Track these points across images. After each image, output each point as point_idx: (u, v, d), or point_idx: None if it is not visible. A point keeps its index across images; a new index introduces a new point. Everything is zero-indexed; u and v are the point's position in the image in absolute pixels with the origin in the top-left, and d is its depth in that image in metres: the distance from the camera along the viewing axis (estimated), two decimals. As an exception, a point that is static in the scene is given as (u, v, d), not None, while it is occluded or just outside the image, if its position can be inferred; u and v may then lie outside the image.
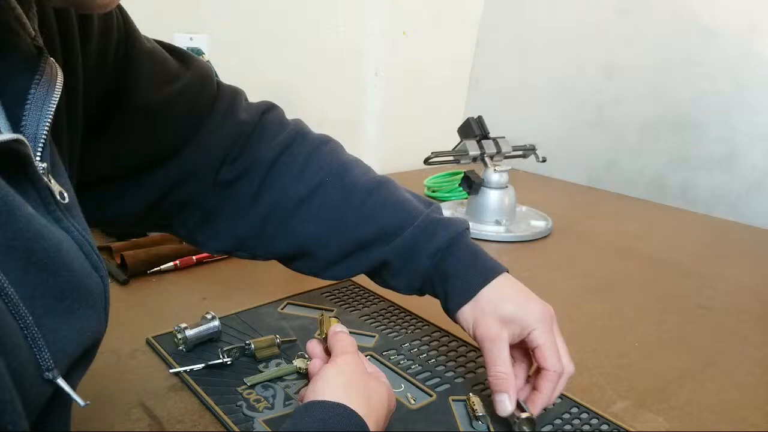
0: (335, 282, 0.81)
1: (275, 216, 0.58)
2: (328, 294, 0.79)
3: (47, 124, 0.35)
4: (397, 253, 0.57)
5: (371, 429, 0.43)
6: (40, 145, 0.34)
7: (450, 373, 0.62)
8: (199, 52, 1.14)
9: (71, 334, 0.34)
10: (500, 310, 0.54)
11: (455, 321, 0.57)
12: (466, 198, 1.15)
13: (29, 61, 0.35)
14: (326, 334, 0.53)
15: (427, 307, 0.76)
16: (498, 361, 0.52)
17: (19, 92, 0.34)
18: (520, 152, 1.17)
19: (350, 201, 0.58)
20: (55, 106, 0.36)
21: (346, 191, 0.58)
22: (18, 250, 0.30)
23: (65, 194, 0.36)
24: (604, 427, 0.55)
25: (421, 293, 0.60)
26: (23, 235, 0.31)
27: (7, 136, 0.31)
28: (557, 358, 0.52)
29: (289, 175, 0.58)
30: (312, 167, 0.59)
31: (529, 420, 0.51)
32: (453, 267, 0.56)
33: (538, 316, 0.53)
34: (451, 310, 0.57)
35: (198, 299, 0.76)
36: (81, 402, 0.34)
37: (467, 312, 0.55)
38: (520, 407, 0.52)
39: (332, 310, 0.74)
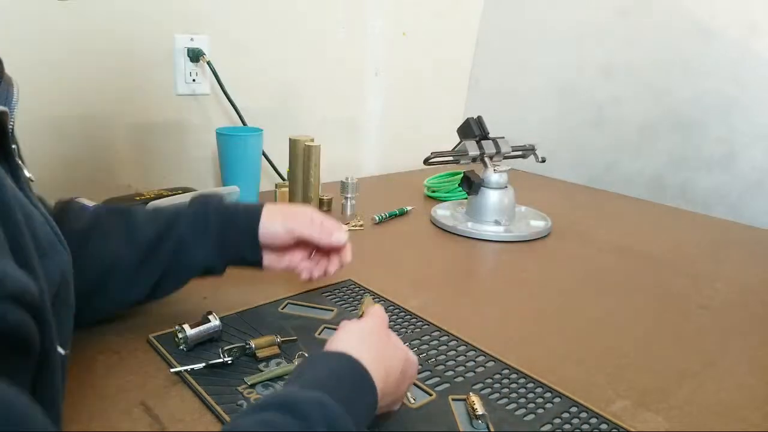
0: (335, 282, 0.81)
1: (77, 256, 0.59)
2: (328, 294, 0.79)
3: (13, 114, 0.40)
4: (189, 225, 0.64)
5: (379, 382, 0.44)
6: (10, 128, 0.39)
7: (450, 373, 0.62)
8: (200, 53, 1.14)
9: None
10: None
11: (263, 243, 0.67)
12: (466, 198, 1.15)
13: None
14: (363, 312, 0.55)
15: (427, 307, 0.77)
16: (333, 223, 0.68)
17: None
18: (520, 152, 1.17)
19: (129, 215, 0.65)
20: (17, 102, 0.41)
21: (122, 212, 0.66)
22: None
23: (32, 176, 0.41)
24: (604, 426, 0.55)
25: (222, 257, 0.67)
26: (6, 206, 0.34)
27: None
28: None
29: (72, 222, 0.62)
30: (89, 213, 0.65)
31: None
32: (233, 205, 0.67)
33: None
34: (253, 229, 0.66)
35: (198, 298, 0.76)
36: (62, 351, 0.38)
37: (265, 216, 0.66)
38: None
39: (333, 310, 0.74)
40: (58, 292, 0.40)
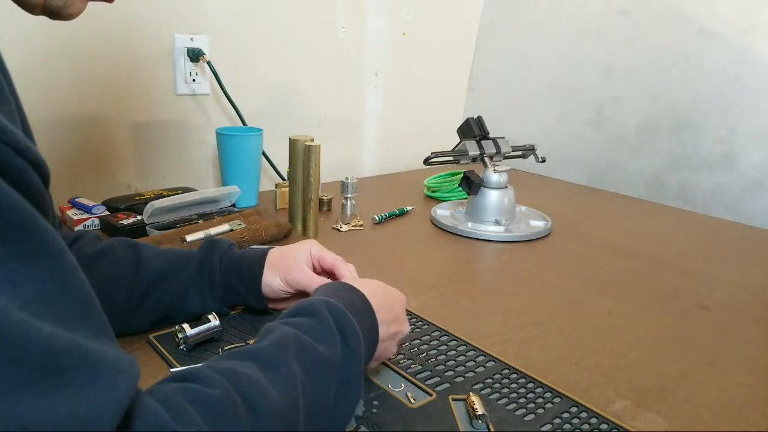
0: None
1: None
2: (328, 294, 0.79)
3: None
4: (194, 268, 0.66)
5: (368, 294, 0.55)
6: None
7: (450, 373, 0.62)
8: (200, 53, 1.14)
9: None
10: (287, 254, 0.68)
11: (266, 296, 0.68)
12: (466, 198, 1.15)
13: None
14: None
15: (427, 307, 0.77)
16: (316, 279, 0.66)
17: None
18: (520, 152, 1.17)
19: (140, 248, 0.67)
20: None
21: (134, 245, 0.67)
22: None
23: None
24: (604, 426, 0.55)
25: (225, 303, 0.68)
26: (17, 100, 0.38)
27: None
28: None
29: (84, 246, 0.65)
30: (104, 242, 0.68)
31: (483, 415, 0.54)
32: (238, 255, 0.68)
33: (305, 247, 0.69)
34: (256, 282, 0.67)
35: (198, 299, 0.76)
36: None
37: (266, 274, 0.67)
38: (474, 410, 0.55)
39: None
40: None
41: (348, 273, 0.68)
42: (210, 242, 0.69)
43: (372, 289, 0.57)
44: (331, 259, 0.69)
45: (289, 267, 0.67)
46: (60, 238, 0.31)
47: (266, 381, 0.41)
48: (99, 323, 0.33)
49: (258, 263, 0.67)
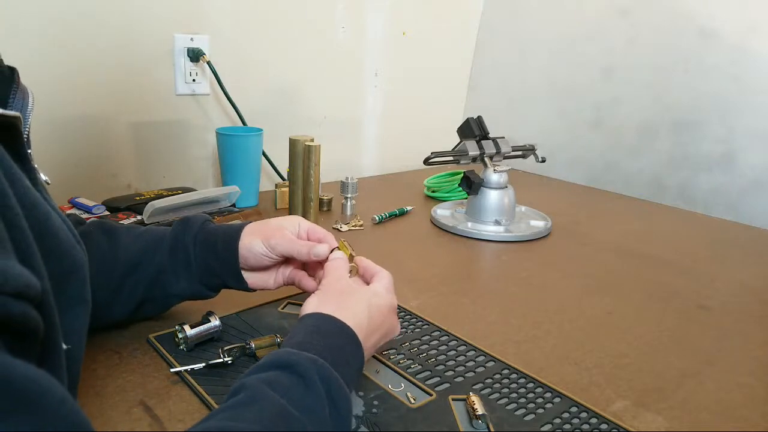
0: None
1: None
2: (328, 294, 0.78)
3: (28, 122, 0.43)
4: (167, 253, 0.64)
5: (355, 327, 0.52)
6: (25, 134, 0.42)
7: (450, 373, 0.62)
8: (200, 53, 1.14)
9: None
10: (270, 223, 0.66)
11: (250, 266, 0.65)
12: (466, 198, 1.15)
13: (5, 76, 0.44)
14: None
15: (427, 307, 0.77)
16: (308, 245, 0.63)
17: (2, 100, 0.43)
18: (520, 152, 1.17)
19: (115, 234, 0.65)
20: (32, 109, 0.43)
21: (109, 231, 0.65)
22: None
23: (48, 179, 0.44)
24: (603, 426, 0.55)
25: (205, 284, 0.66)
26: (23, 203, 0.35)
27: (10, 112, 0.37)
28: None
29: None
30: (81, 228, 0.65)
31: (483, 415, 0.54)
32: (213, 232, 0.65)
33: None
34: (233, 257, 0.63)
35: (198, 299, 0.76)
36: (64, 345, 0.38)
37: (247, 238, 0.63)
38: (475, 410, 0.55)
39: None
40: (65, 289, 0.40)
41: (334, 241, 0.65)
42: (183, 222, 0.66)
43: (357, 316, 0.53)
44: (322, 232, 0.66)
45: (271, 233, 0.63)
46: (39, 374, 0.29)
47: None
48: None
49: (234, 240, 0.64)
